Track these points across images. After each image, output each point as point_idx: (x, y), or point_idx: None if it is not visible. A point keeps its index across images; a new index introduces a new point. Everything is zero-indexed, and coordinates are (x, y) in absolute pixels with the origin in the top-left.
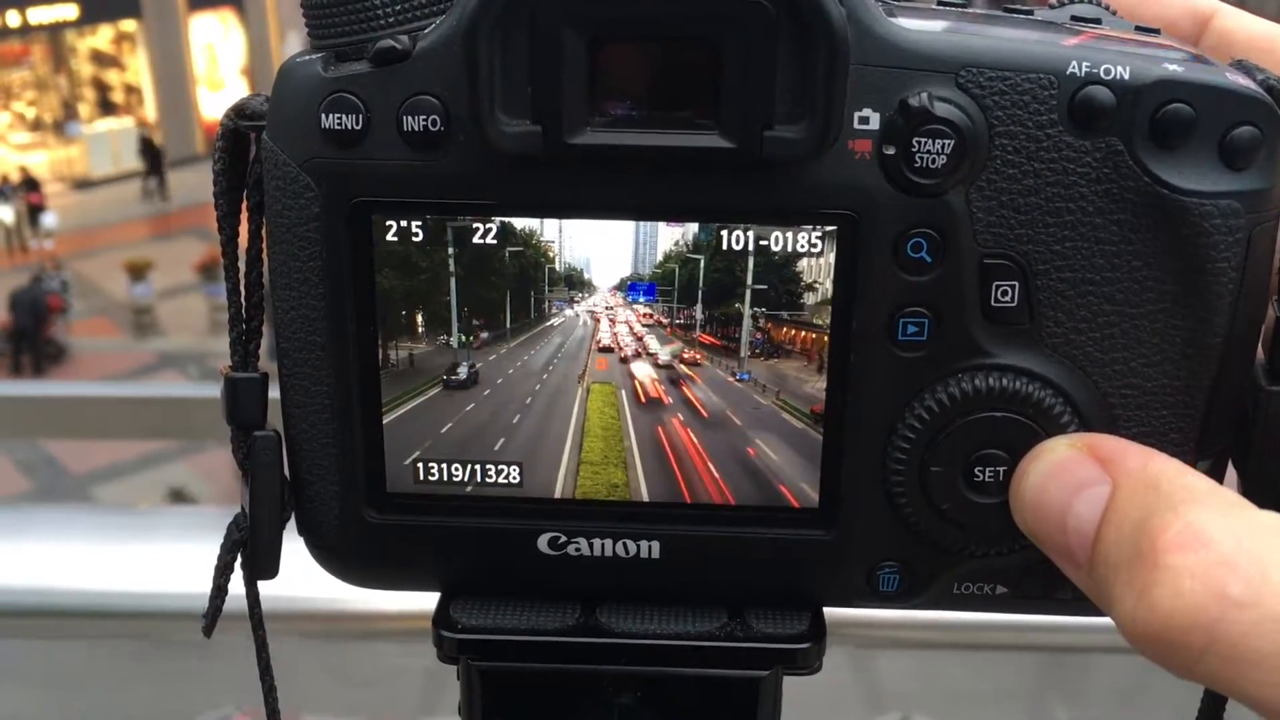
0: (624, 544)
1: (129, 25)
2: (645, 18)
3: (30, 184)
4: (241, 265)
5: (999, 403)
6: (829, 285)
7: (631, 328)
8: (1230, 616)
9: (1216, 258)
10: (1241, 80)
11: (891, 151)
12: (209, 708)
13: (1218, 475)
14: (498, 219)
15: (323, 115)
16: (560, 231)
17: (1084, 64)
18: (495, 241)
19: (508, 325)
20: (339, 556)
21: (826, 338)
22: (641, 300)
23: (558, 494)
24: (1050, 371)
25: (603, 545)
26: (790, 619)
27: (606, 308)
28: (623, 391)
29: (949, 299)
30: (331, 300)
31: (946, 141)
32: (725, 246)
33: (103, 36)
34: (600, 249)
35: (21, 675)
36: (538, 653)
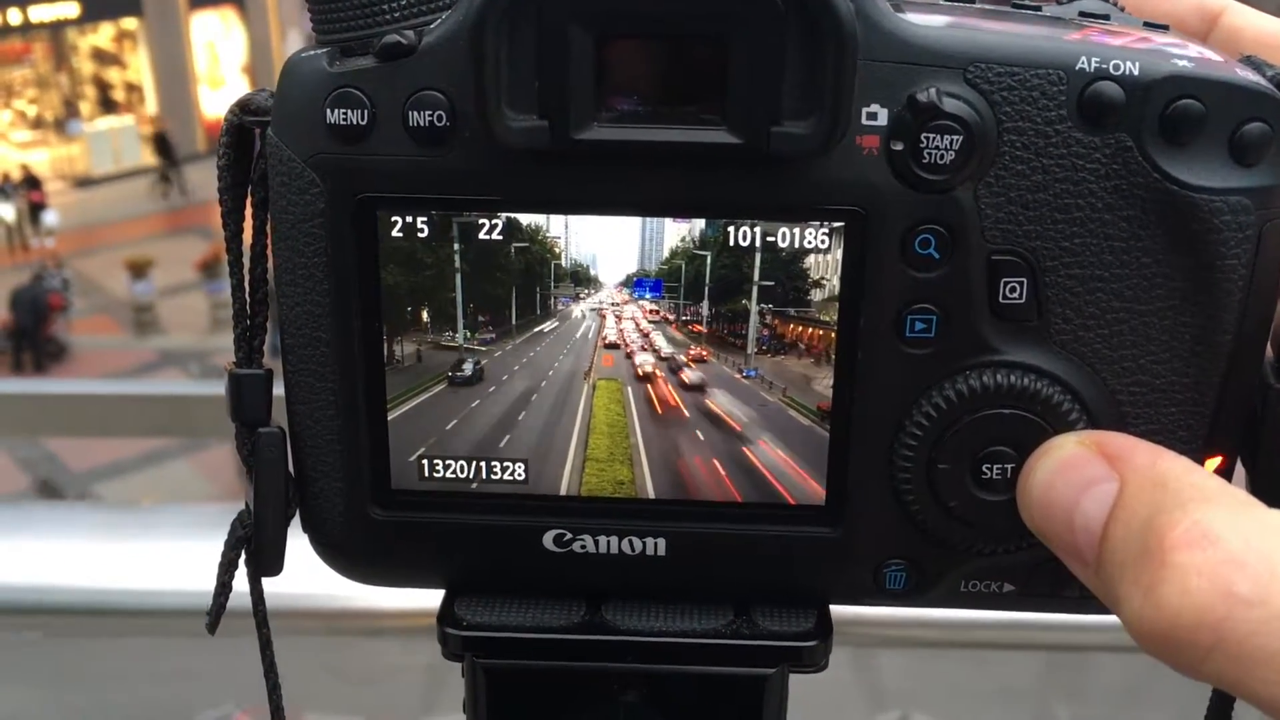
0: (630, 541)
1: (130, 23)
2: (652, 13)
3: (31, 182)
4: (246, 261)
5: (1007, 400)
6: (836, 282)
7: (638, 324)
8: (1237, 615)
9: (1226, 254)
10: (1251, 76)
11: (899, 147)
12: (209, 706)
13: (1226, 473)
14: (503, 214)
15: (328, 110)
16: (566, 227)
17: (1093, 59)
18: (501, 237)
19: (513, 321)
20: (343, 554)
21: (834, 334)
22: (648, 296)
23: (563, 491)
24: (1058, 368)
25: (609, 542)
26: (797, 617)
27: (612, 304)
28: (629, 388)
29: (957, 295)
30: (336, 296)
31: (955, 137)
32: (732, 242)
33: (104, 34)
34: (606, 245)
35: (22, 673)
36: (543, 650)
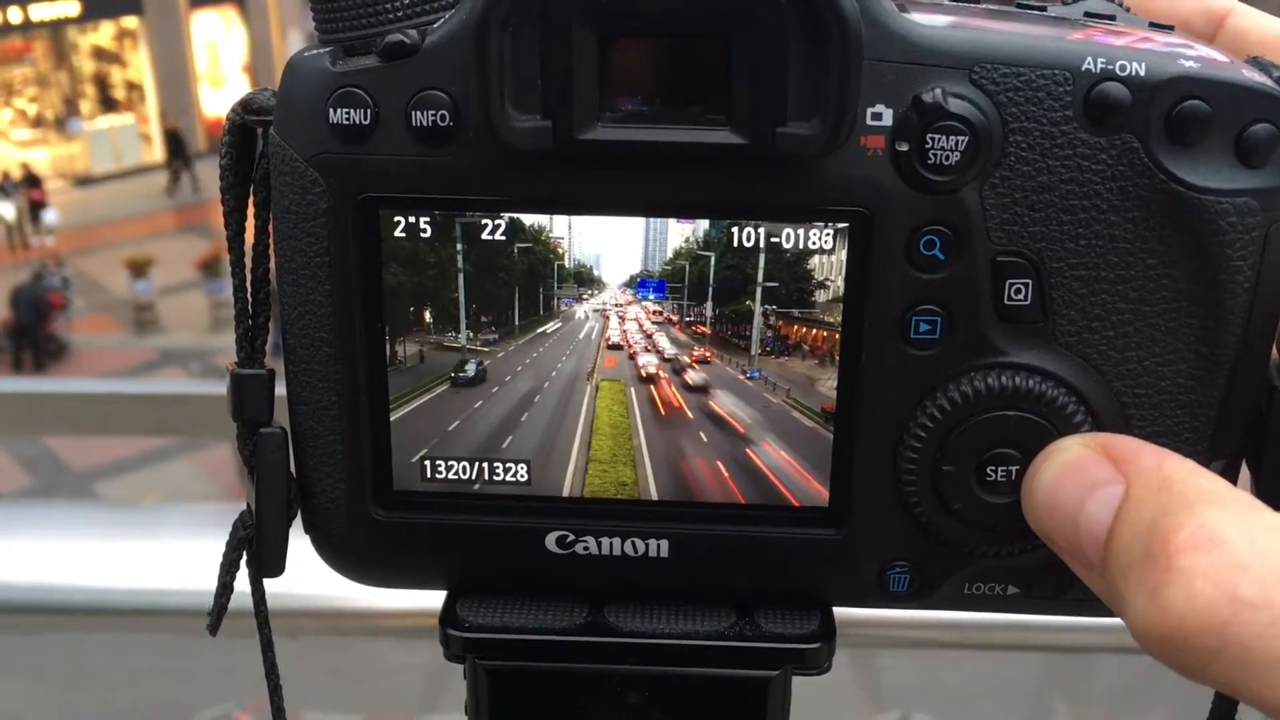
0: (633, 543)
1: (131, 22)
2: (656, 13)
3: (32, 181)
4: (248, 261)
5: (1012, 402)
6: (840, 283)
7: (641, 325)
8: (1243, 619)
9: (1232, 255)
10: (1258, 77)
11: (905, 148)
12: (209, 705)
13: (1231, 476)
14: (506, 215)
15: (331, 110)
16: (570, 228)
17: (1099, 60)
18: (504, 237)
19: (516, 322)
20: (345, 554)
21: (838, 336)
22: (651, 297)
23: (566, 492)
24: (1064, 370)
25: (611, 544)
26: (800, 619)
27: (616, 305)
28: (632, 389)
29: (962, 297)
30: (339, 296)
31: (960, 138)
32: (736, 243)
33: (104, 33)
34: (610, 245)
35: (22, 671)
36: (545, 652)
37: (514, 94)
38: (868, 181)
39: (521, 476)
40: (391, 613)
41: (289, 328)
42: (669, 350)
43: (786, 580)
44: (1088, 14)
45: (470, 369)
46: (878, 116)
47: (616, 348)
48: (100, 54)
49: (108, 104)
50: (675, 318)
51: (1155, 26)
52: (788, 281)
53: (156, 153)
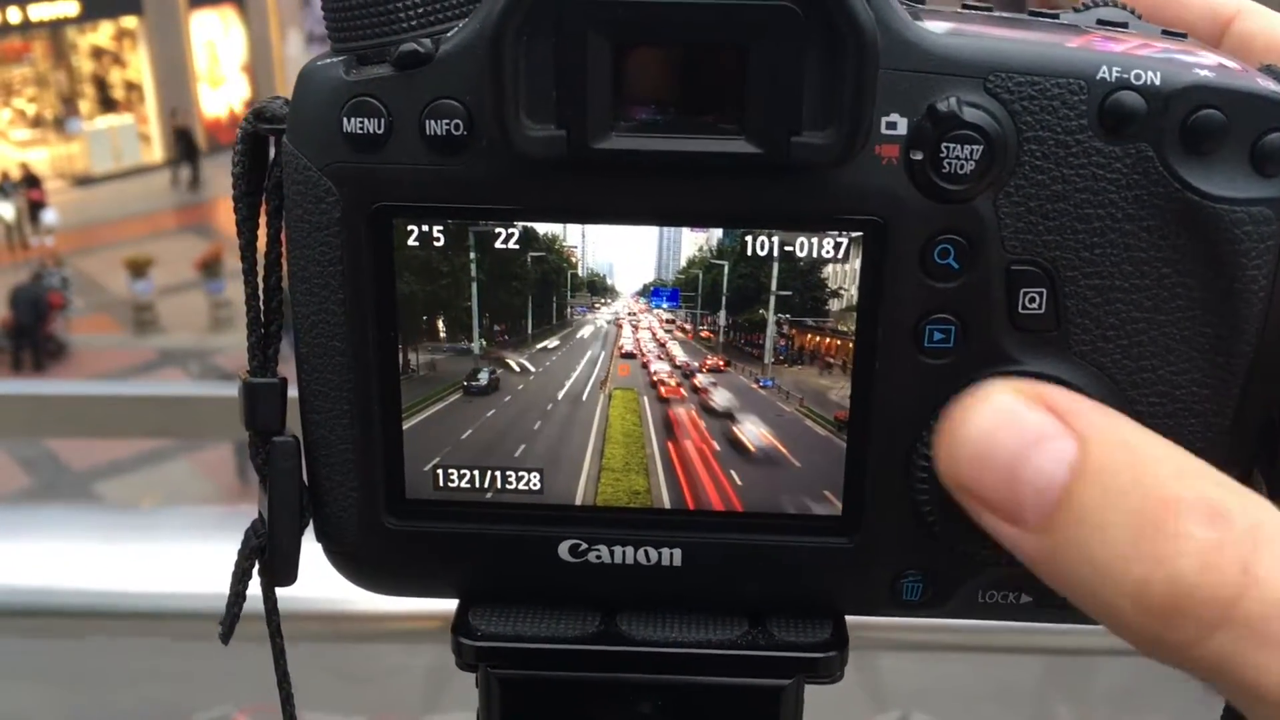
0: (645, 551)
1: (130, 22)
2: (671, 22)
3: (31, 181)
4: (260, 269)
5: None
6: (854, 292)
7: (654, 333)
8: (1252, 594)
9: (1248, 265)
10: (1273, 86)
11: (919, 157)
12: (207, 706)
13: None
14: (520, 224)
15: (344, 119)
16: (583, 237)
17: (1114, 69)
18: (518, 247)
19: (529, 331)
20: (357, 563)
21: (851, 345)
22: (665, 306)
23: (579, 501)
24: (1078, 379)
25: (624, 553)
26: (812, 627)
27: (629, 313)
28: (645, 398)
29: (976, 306)
30: (352, 305)
31: (975, 147)
32: (750, 252)
33: (103, 33)
34: (623, 254)
35: (22, 673)
36: (558, 661)
37: (528, 103)
38: (882, 190)
39: (534, 485)
40: (394, 615)
41: (301, 336)
42: (682, 358)
43: (799, 589)
44: (1100, 21)
45: (483, 378)
46: (892, 125)
47: (630, 356)
48: (99, 54)
49: (107, 104)
50: (689, 326)
51: (1168, 34)
52: (801, 290)
53: (156, 153)
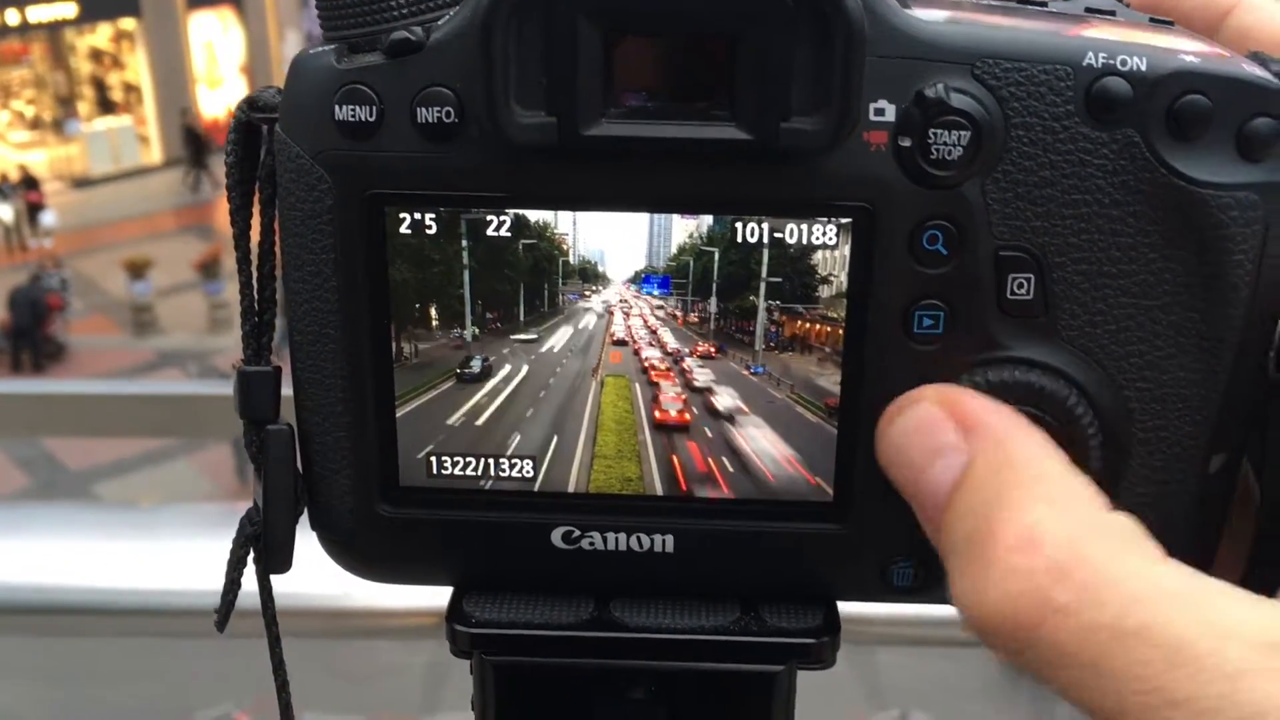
0: (638, 538)
1: (128, 23)
2: (661, 9)
3: (29, 182)
4: (254, 258)
5: (1014, 396)
6: (844, 278)
7: (645, 320)
8: (1052, 623)
9: (1233, 249)
10: (1258, 71)
11: (907, 143)
12: (208, 705)
13: (1232, 469)
14: (512, 211)
15: (336, 107)
16: (575, 224)
17: (1100, 55)
18: (509, 234)
19: (522, 318)
20: (352, 551)
21: (841, 331)
22: (656, 293)
23: (571, 488)
24: (1066, 364)
25: (617, 539)
26: (804, 613)
27: (620, 301)
28: (636, 385)
29: (964, 291)
30: (344, 293)
31: (963, 133)
32: (740, 239)
33: (102, 35)
34: (615, 241)
35: (22, 671)
36: (551, 647)
37: (519, 90)
38: (871, 176)
39: (527, 472)
40: (392, 612)
41: (295, 324)
42: (673, 345)
43: (791, 575)
44: (1088, 9)
45: (476, 365)
46: (880, 112)
47: (621, 343)
48: (98, 55)
49: (105, 106)
50: (679, 313)
51: (1155, 22)
52: (791, 277)
53: (155, 154)
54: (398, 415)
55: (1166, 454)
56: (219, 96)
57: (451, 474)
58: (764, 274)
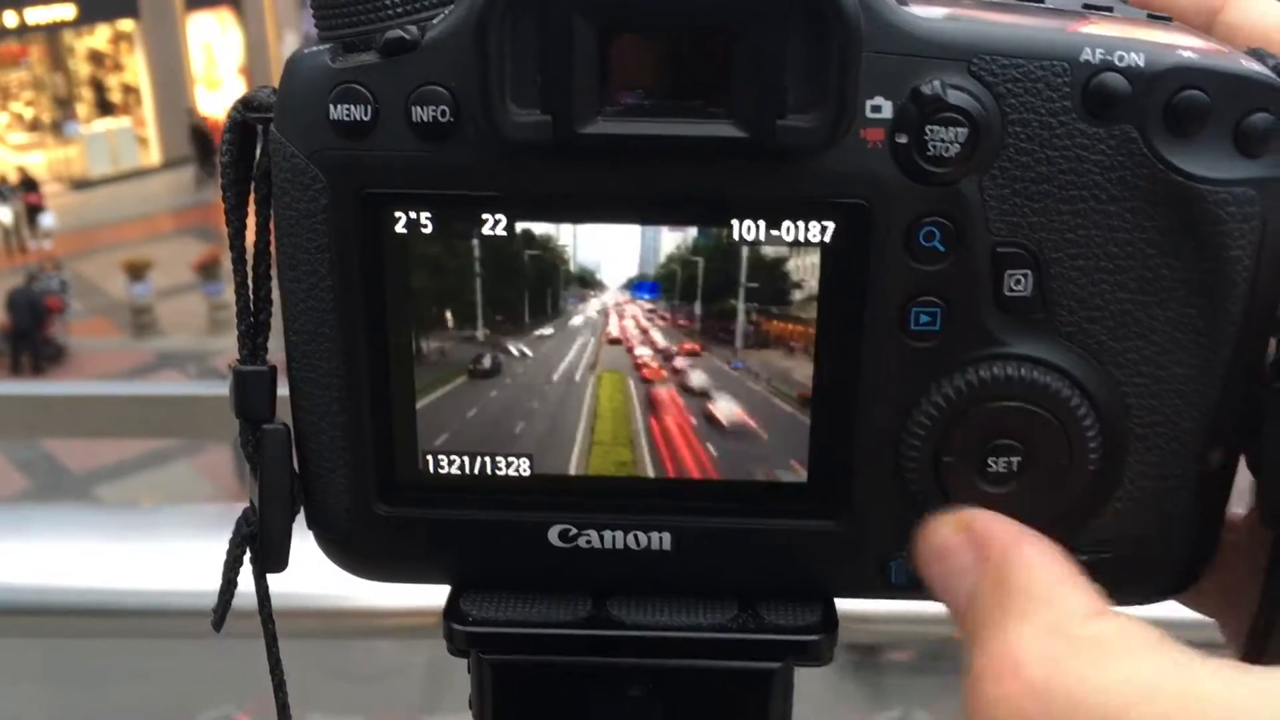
0: (635, 535)
1: (127, 25)
2: (656, 6)
3: (28, 184)
4: (249, 258)
5: (1012, 392)
6: (814, 283)
7: (638, 321)
8: None
9: (1231, 245)
10: (1256, 67)
11: (904, 140)
12: (210, 706)
13: (1229, 467)
14: (508, 212)
15: (331, 106)
16: (574, 236)
17: (1098, 50)
18: (505, 233)
19: (527, 320)
20: (349, 550)
21: (812, 330)
22: (646, 298)
23: (571, 472)
24: (1064, 360)
25: (614, 537)
26: (802, 611)
27: (615, 304)
28: (630, 379)
29: (962, 288)
30: (340, 292)
31: (960, 129)
32: (722, 249)
33: (100, 36)
34: (610, 252)
35: (23, 673)
36: (549, 645)
37: (514, 88)
38: (867, 173)
39: (524, 470)
40: (392, 611)
41: (290, 324)
42: (662, 343)
43: (788, 572)
44: (1085, 5)
45: (486, 362)
46: (877, 109)
47: (616, 342)
48: (96, 57)
49: (104, 107)
50: (668, 315)
51: (1153, 18)
52: (766, 283)
53: (154, 156)
54: (394, 414)
55: (1164, 449)
56: (218, 98)
57: (448, 473)
58: (743, 280)
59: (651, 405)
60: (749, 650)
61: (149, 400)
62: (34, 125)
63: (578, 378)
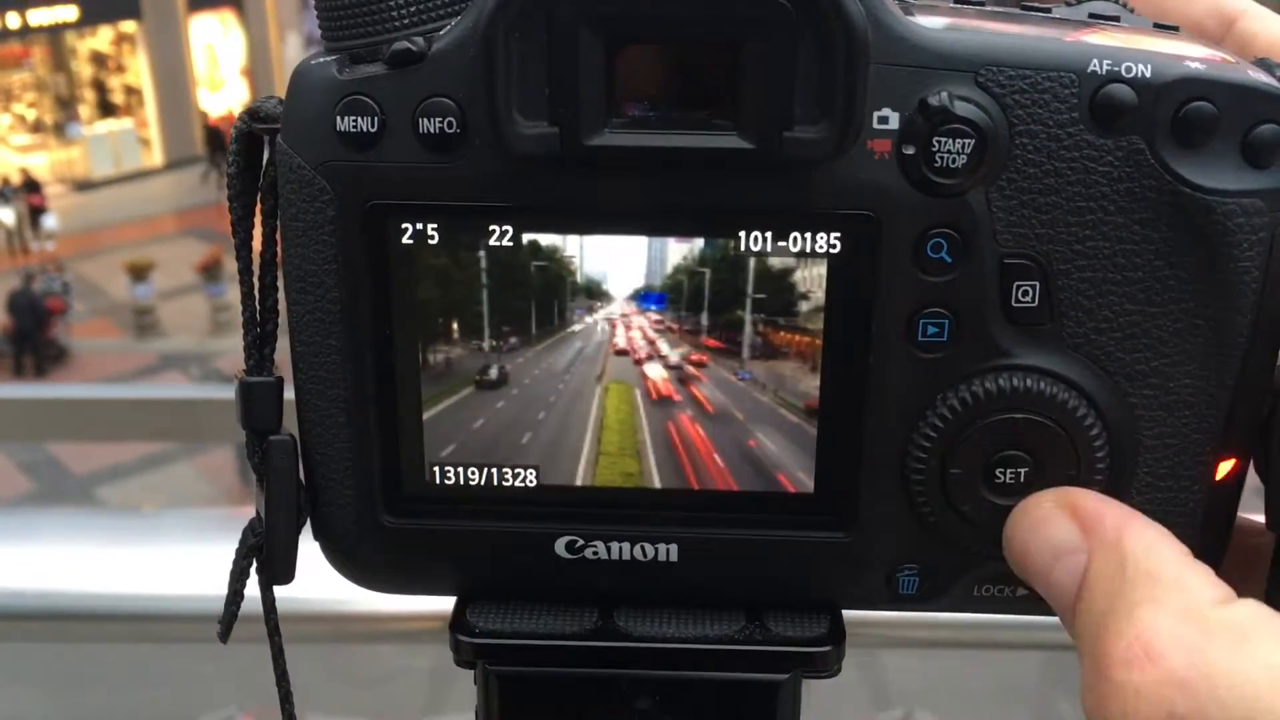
0: (642, 547)
1: (129, 26)
2: (663, 19)
3: (31, 186)
4: (256, 268)
5: (1020, 404)
6: (821, 295)
7: (644, 332)
8: None
9: (1240, 256)
10: (1264, 78)
11: (911, 151)
12: (212, 708)
13: (1240, 478)
14: (515, 223)
15: (338, 118)
16: (581, 248)
17: (1105, 62)
18: (511, 244)
19: (534, 331)
20: (355, 561)
21: (818, 341)
22: (653, 309)
23: (579, 483)
24: (1072, 372)
25: (620, 548)
26: (809, 622)
27: (622, 315)
28: (637, 390)
29: (969, 299)
30: (346, 303)
31: (967, 141)
32: (729, 260)
33: (103, 38)
34: (616, 263)
35: (25, 677)
36: (555, 657)
37: (521, 100)
38: (874, 185)
39: (530, 481)
40: (395, 616)
41: (297, 335)
42: (669, 354)
43: (796, 583)
44: (1092, 15)
45: (493, 373)
46: (884, 120)
47: (623, 353)
48: (99, 58)
49: (106, 109)
50: (675, 326)
51: (1160, 28)
52: (773, 294)
53: (156, 157)
54: (400, 425)
55: (1173, 461)
56: (220, 99)
57: (455, 484)
58: (750, 291)
59: (658, 416)
60: (756, 662)
61: (152, 404)
62: (36, 127)
63: (584, 389)
